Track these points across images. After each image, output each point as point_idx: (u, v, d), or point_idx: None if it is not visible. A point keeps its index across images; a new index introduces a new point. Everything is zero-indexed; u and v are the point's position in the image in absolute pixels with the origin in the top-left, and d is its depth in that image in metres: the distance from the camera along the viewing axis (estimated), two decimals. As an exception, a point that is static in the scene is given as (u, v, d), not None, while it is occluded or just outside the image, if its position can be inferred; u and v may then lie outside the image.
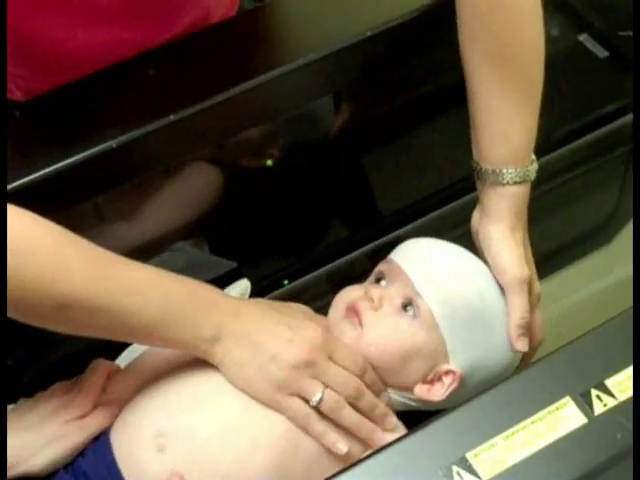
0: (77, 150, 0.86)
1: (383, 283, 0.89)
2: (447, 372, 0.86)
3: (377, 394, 0.85)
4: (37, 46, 0.92)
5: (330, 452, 0.82)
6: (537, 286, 0.91)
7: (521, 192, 0.89)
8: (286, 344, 0.80)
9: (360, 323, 0.85)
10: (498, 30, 0.86)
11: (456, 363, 0.86)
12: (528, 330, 0.88)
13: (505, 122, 0.88)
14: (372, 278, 0.91)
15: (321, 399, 0.80)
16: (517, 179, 0.88)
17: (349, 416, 0.82)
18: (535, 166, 0.90)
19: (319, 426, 0.81)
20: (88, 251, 0.78)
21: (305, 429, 0.81)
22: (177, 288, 0.80)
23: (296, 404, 0.81)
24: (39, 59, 0.94)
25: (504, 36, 0.87)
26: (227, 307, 0.82)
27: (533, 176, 0.89)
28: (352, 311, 0.86)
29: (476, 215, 0.93)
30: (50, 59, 0.94)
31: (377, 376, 0.85)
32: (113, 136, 0.86)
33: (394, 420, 0.85)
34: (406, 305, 0.86)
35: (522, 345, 0.87)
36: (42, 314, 0.75)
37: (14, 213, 0.74)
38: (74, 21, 0.91)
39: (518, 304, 0.87)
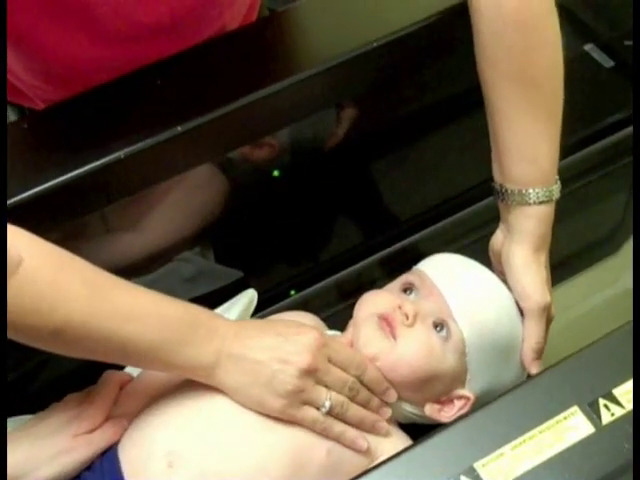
0: (84, 161, 0.86)
1: (411, 295, 0.89)
2: (460, 396, 0.86)
3: (382, 393, 0.84)
4: (57, 62, 0.92)
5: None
6: (553, 309, 0.90)
7: (546, 212, 0.89)
8: (285, 357, 0.80)
9: (394, 336, 0.85)
10: (522, 50, 0.85)
11: (471, 389, 0.86)
12: (542, 353, 0.88)
13: (531, 142, 0.87)
14: (399, 285, 0.90)
15: (330, 405, 0.81)
16: (543, 199, 0.88)
17: (354, 413, 0.82)
18: (559, 185, 0.89)
19: (337, 428, 0.82)
20: (88, 275, 0.77)
21: (324, 434, 0.81)
22: (177, 314, 0.79)
23: (311, 413, 0.81)
24: (59, 75, 0.94)
25: (528, 56, 0.86)
26: (226, 331, 0.81)
27: (557, 195, 0.89)
28: (385, 322, 0.85)
29: (499, 235, 0.93)
30: (68, 74, 0.94)
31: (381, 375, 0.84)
32: (121, 147, 0.87)
33: (389, 411, 0.85)
34: (437, 325, 0.85)
35: (536, 368, 0.87)
36: (39, 337, 0.75)
37: (13, 234, 0.73)
38: (95, 41, 0.91)
39: (536, 330, 0.87)
